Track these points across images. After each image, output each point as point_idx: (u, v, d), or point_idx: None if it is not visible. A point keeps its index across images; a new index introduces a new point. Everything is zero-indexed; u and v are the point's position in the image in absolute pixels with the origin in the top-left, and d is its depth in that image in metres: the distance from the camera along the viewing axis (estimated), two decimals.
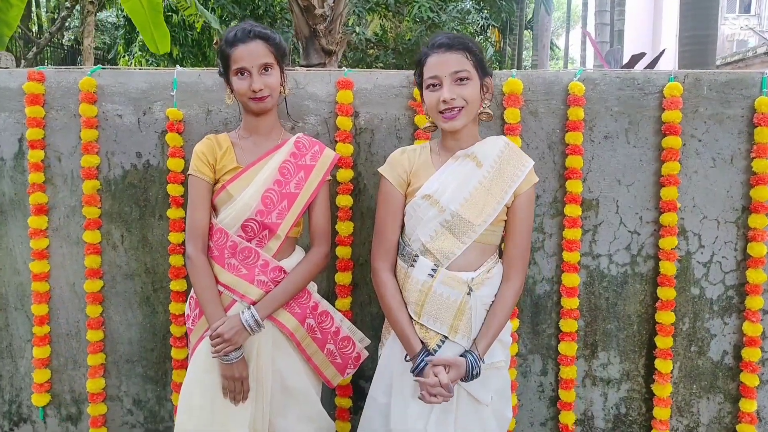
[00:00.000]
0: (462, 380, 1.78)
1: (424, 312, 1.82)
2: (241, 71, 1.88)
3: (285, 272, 1.94)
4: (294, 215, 1.94)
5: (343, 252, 2.41)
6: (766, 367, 2.48)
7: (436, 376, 1.75)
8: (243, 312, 1.85)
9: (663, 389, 2.43)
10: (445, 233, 1.82)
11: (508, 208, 1.88)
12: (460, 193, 1.82)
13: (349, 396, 2.47)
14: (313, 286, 2.06)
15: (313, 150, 2.01)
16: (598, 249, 2.46)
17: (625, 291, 2.48)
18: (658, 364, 2.43)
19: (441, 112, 1.79)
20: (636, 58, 6.21)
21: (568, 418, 2.48)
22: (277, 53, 1.92)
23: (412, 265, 1.85)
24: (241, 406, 1.88)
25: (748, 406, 2.43)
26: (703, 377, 2.51)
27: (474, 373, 1.77)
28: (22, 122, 2.44)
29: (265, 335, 1.91)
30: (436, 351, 1.82)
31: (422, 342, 1.83)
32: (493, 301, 1.87)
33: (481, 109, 1.86)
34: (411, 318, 1.85)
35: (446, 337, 1.82)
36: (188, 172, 1.96)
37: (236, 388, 1.85)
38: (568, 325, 2.44)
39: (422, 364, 1.79)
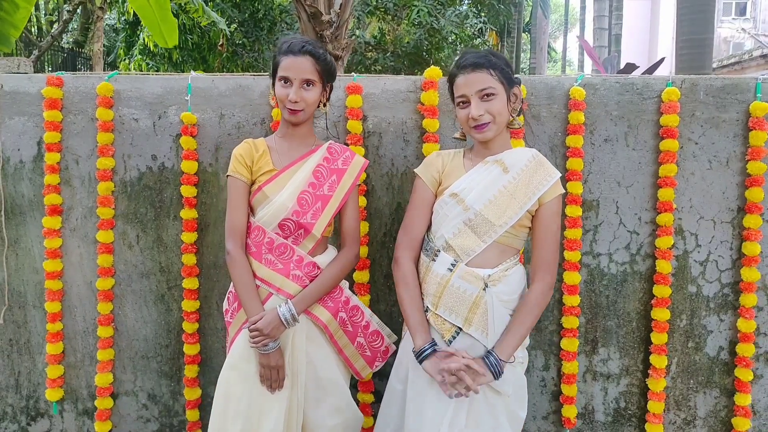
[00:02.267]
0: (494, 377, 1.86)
1: (441, 303, 1.92)
2: (284, 79, 1.98)
3: (318, 267, 2.03)
4: (328, 216, 2.04)
5: (361, 251, 2.48)
6: (760, 363, 2.56)
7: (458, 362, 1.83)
8: (280, 306, 1.94)
9: (657, 384, 2.52)
10: (467, 231, 1.92)
11: (532, 215, 1.97)
12: (485, 195, 1.92)
13: (371, 391, 2.55)
14: (344, 283, 2.16)
15: (344, 155, 2.12)
16: (598, 248, 2.55)
17: (625, 289, 2.56)
18: (654, 359, 2.52)
19: (472, 127, 1.91)
20: (630, 68, 6.30)
21: (570, 411, 2.56)
22: (323, 72, 2.01)
23: (434, 260, 1.95)
24: (278, 395, 1.97)
25: (743, 399, 2.52)
26: (700, 372, 2.59)
27: (496, 372, 1.85)
28: (40, 126, 2.52)
29: (299, 327, 2.00)
30: (450, 342, 1.91)
31: (438, 332, 1.92)
32: (514, 300, 1.95)
33: (511, 117, 1.97)
34: (425, 311, 1.95)
35: (461, 329, 1.90)
36: (227, 174, 2.05)
37: (273, 376, 1.95)
38: (570, 321, 2.52)
39: (428, 351, 1.88)
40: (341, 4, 5.35)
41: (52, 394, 2.62)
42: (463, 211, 1.93)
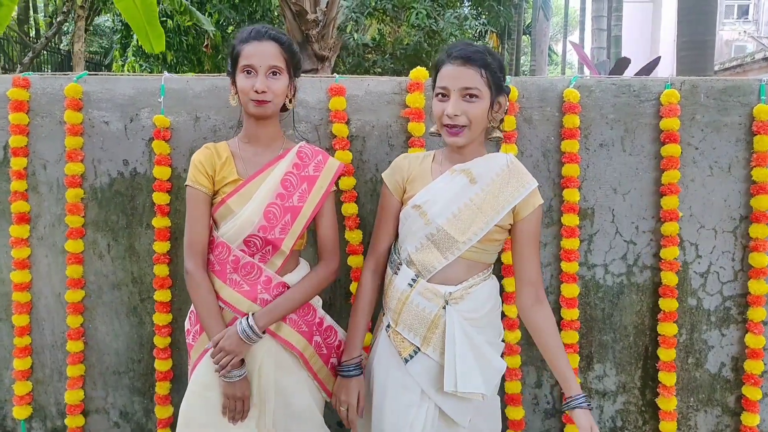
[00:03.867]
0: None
1: (401, 320, 1.80)
2: (248, 69, 1.80)
3: (288, 287, 1.88)
4: (298, 230, 1.87)
5: (356, 261, 2.35)
6: (765, 380, 2.43)
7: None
8: (240, 322, 1.78)
9: (668, 402, 2.38)
10: (430, 246, 1.79)
11: (507, 229, 1.83)
12: (449, 208, 1.78)
13: None
14: (317, 301, 2.00)
15: (316, 160, 1.94)
16: (593, 259, 2.42)
17: (621, 302, 2.43)
18: (662, 377, 2.38)
19: (445, 125, 1.75)
20: (622, 63, 6.15)
21: (568, 430, 2.42)
22: (289, 60, 1.84)
23: (396, 273, 1.84)
24: (243, 425, 1.82)
25: (751, 420, 2.38)
26: (701, 390, 2.46)
27: None
28: (5, 129, 2.39)
29: (267, 354, 1.84)
30: (407, 360, 1.79)
31: (396, 349, 1.84)
32: (484, 317, 1.83)
33: (491, 124, 1.82)
34: (387, 327, 1.86)
35: (419, 348, 1.78)
36: (186, 183, 1.88)
37: (237, 407, 1.79)
38: (569, 336, 2.38)
39: (351, 372, 1.86)
40: (327, 3, 5.23)
41: (19, 412, 2.48)
42: (425, 225, 1.79)
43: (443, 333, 1.76)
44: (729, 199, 2.37)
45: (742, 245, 2.37)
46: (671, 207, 2.31)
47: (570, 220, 2.33)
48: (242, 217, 1.82)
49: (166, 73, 2.46)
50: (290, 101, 1.93)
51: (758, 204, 2.30)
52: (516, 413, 2.39)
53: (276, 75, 1.82)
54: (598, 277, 2.43)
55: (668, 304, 2.35)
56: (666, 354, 2.37)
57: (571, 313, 2.38)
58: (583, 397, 1.75)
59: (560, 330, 2.39)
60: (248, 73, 1.80)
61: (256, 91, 1.78)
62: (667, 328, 2.35)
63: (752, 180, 2.32)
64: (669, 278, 2.34)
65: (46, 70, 13.67)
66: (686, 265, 2.40)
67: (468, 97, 1.72)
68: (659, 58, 6.48)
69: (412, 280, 1.79)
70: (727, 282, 2.41)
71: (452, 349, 1.74)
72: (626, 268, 2.42)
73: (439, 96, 1.77)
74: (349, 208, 2.34)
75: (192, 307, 1.94)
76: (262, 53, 1.79)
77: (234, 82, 1.86)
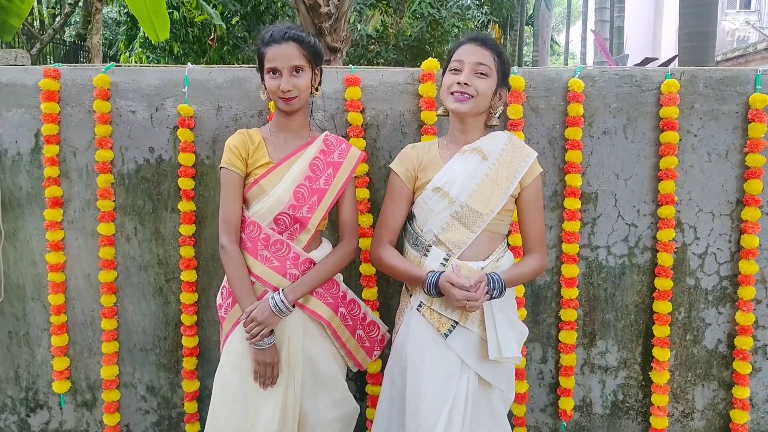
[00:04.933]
0: (487, 293, 1.83)
1: (437, 299, 1.90)
2: (273, 71, 1.95)
3: (314, 263, 2.02)
4: (323, 210, 2.02)
5: (366, 243, 2.47)
6: (758, 356, 2.56)
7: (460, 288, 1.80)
8: (273, 296, 1.92)
9: (661, 376, 2.52)
10: (456, 224, 1.92)
11: (515, 198, 1.98)
12: (468, 185, 1.92)
13: (380, 384, 2.52)
14: (339, 277, 2.14)
15: (340, 147, 2.09)
16: (596, 241, 2.54)
17: (623, 282, 2.56)
18: (656, 352, 2.52)
19: (452, 93, 1.90)
20: (647, 61, 6.28)
21: (567, 403, 2.56)
22: (310, 56, 1.98)
23: (426, 255, 1.95)
24: (273, 391, 1.96)
25: (741, 392, 2.52)
26: (698, 365, 2.59)
27: (496, 288, 1.84)
28: (38, 118, 2.52)
29: (295, 324, 1.98)
30: (447, 335, 1.90)
31: (434, 327, 1.92)
32: (508, 291, 1.94)
33: (491, 112, 1.98)
34: (419, 306, 1.95)
35: (457, 323, 1.90)
36: (221, 165, 2.02)
37: (267, 372, 1.93)
38: (568, 314, 2.52)
39: (434, 279, 1.84)
40: None
41: (59, 386, 2.62)
42: (449, 205, 1.92)
43: (480, 307, 1.87)
44: (726, 184, 2.49)
45: (738, 228, 2.50)
46: (668, 191, 2.44)
47: (572, 203, 2.46)
48: (274, 196, 1.97)
49: (189, 64, 2.58)
50: (316, 89, 2.07)
51: (751, 188, 2.43)
52: (520, 387, 2.53)
53: (299, 72, 1.96)
54: (601, 258, 2.55)
55: (663, 284, 2.48)
56: (660, 330, 2.50)
57: (570, 292, 2.51)
58: (495, 274, 1.87)
59: (560, 308, 2.55)
60: (273, 73, 1.96)
61: (282, 91, 1.94)
62: (662, 306, 2.49)
63: (746, 165, 2.44)
64: (664, 259, 2.47)
65: (50, 61, 13.75)
66: (685, 246, 2.53)
67: (480, 74, 1.89)
68: (676, 56, 6.56)
69: (444, 259, 1.91)
70: (723, 263, 2.53)
71: (492, 320, 1.89)
72: (628, 249, 2.54)
73: (453, 70, 1.93)
74: (361, 193, 2.46)
75: (224, 282, 2.07)
76: (284, 55, 1.94)
77: (263, 79, 2.01)
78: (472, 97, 1.88)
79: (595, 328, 2.59)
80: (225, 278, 2.05)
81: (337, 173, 2.05)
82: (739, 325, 2.50)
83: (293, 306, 1.94)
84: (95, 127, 2.49)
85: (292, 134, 2.07)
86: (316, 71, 2.05)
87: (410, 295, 2.02)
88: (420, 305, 1.95)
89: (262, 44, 1.98)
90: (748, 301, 2.48)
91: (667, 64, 6.51)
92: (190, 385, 2.59)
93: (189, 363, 2.58)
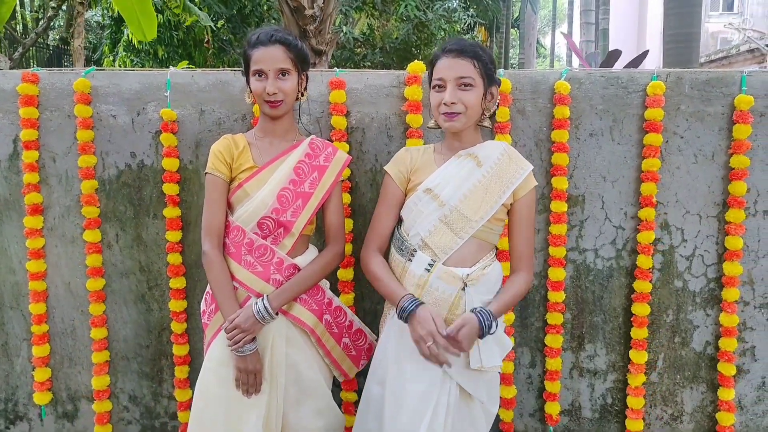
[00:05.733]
0: (479, 336, 1.78)
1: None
2: (258, 73, 1.92)
3: (298, 269, 1.98)
4: (308, 214, 1.98)
5: (348, 248, 2.44)
6: (746, 357, 2.55)
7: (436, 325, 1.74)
8: (256, 303, 1.88)
9: (636, 378, 2.51)
10: (444, 228, 1.88)
11: (507, 209, 1.95)
12: (460, 189, 1.89)
13: (354, 390, 2.51)
14: (325, 284, 2.10)
15: (326, 151, 2.06)
16: (584, 244, 2.53)
17: (611, 284, 2.55)
18: (633, 354, 2.51)
19: (443, 114, 1.88)
20: (613, 55, 6.27)
21: (553, 408, 2.54)
22: (297, 60, 1.95)
23: (410, 260, 1.91)
24: (256, 400, 1.92)
25: (726, 394, 2.51)
26: (687, 367, 2.58)
27: (487, 326, 1.76)
28: (16, 123, 2.47)
29: (278, 331, 1.94)
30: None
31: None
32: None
33: (484, 114, 1.94)
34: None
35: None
36: (205, 171, 1.98)
37: (249, 380, 1.89)
38: (554, 317, 2.50)
39: (412, 307, 1.78)
40: None
41: (40, 398, 2.57)
42: (438, 207, 1.89)
43: (463, 314, 1.83)
44: (712, 185, 2.48)
45: (725, 229, 2.49)
46: (649, 193, 2.43)
47: (558, 206, 2.44)
48: (258, 199, 1.93)
49: (171, 68, 2.54)
50: (302, 94, 2.04)
51: (734, 189, 2.42)
52: (508, 392, 2.51)
53: (285, 75, 1.93)
54: (589, 261, 2.54)
55: (642, 286, 2.47)
56: (638, 333, 2.50)
57: (556, 296, 2.49)
58: (483, 311, 1.79)
59: (546, 311, 2.52)
60: (259, 76, 1.92)
61: (268, 93, 1.90)
62: (640, 309, 2.48)
63: (730, 167, 2.44)
64: (643, 261, 2.46)
65: (33, 65, 13.60)
66: (672, 248, 2.52)
67: (463, 86, 1.85)
68: (647, 51, 6.60)
69: (429, 264, 1.87)
70: (711, 264, 2.53)
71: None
72: (615, 252, 2.53)
73: (436, 88, 1.89)
74: (344, 198, 2.42)
75: (208, 288, 2.03)
76: (270, 57, 1.90)
77: (248, 82, 1.98)
78: (462, 113, 1.86)
79: (584, 332, 2.58)
80: (208, 284, 2.01)
81: (322, 177, 2.02)
82: (723, 326, 2.50)
83: (277, 313, 1.91)
84: (76, 132, 2.44)
85: (278, 138, 2.03)
86: (303, 76, 2.02)
87: (390, 304, 1.98)
88: None
89: (248, 46, 1.95)
90: (732, 303, 2.47)
91: (639, 59, 6.51)
92: (182, 395, 2.53)
93: (181, 372, 2.53)
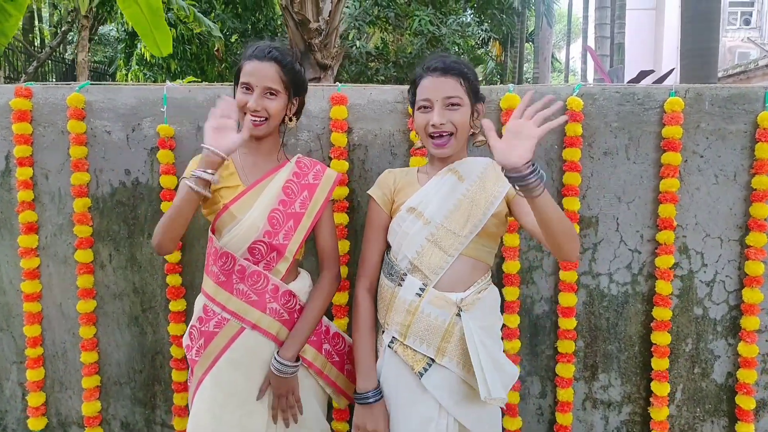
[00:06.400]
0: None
1: (411, 333, 1.76)
2: (246, 86, 1.81)
3: (294, 296, 1.87)
4: (301, 235, 1.87)
5: (344, 271, 2.34)
6: None
7: None
8: (272, 363, 1.81)
9: (660, 413, 2.36)
10: (432, 247, 1.77)
11: (503, 223, 1.84)
12: (444, 205, 1.79)
13: (346, 420, 2.39)
14: None
15: (314, 169, 1.95)
16: (597, 268, 2.40)
17: (626, 311, 2.41)
18: (655, 386, 2.36)
19: (430, 136, 1.78)
20: (643, 75, 6.13)
21: None
22: (289, 82, 1.83)
23: (400, 284, 1.80)
24: (253, 430, 1.81)
25: (745, 429, 2.36)
26: (707, 400, 2.43)
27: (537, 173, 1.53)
28: (9, 139, 2.40)
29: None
30: (422, 374, 1.75)
31: (407, 365, 1.77)
32: (492, 327, 1.81)
33: (472, 131, 1.84)
34: (391, 342, 1.81)
35: (433, 360, 1.75)
36: (182, 176, 1.84)
37: (289, 403, 1.82)
38: (565, 345, 2.37)
39: (371, 399, 1.76)
40: (330, 12, 5.23)
41: (35, 424, 2.48)
42: (424, 226, 1.78)
43: (459, 342, 1.73)
44: (734, 207, 2.35)
45: (746, 254, 2.35)
46: (668, 215, 2.30)
47: None
48: (247, 222, 1.81)
49: (168, 82, 2.46)
50: (290, 119, 1.92)
51: (756, 212, 2.29)
52: (513, 424, 2.37)
53: (272, 96, 1.82)
54: (603, 286, 2.41)
55: (662, 313, 2.33)
56: (659, 363, 2.35)
57: (567, 323, 2.36)
58: None
59: (557, 339, 2.38)
60: (246, 89, 1.81)
61: (250, 108, 1.79)
62: (660, 338, 2.34)
63: (752, 188, 2.30)
64: (662, 287, 2.32)
65: (51, 79, 13.72)
66: (692, 273, 2.38)
67: (451, 106, 1.75)
68: (672, 70, 6.44)
69: (420, 289, 1.76)
70: (733, 291, 2.38)
71: (477, 357, 1.71)
72: (631, 277, 2.40)
73: (422, 108, 1.79)
74: (339, 218, 2.32)
75: (193, 321, 1.91)
76: (260, 73, 1.79)
77: (234, 95, 1.86)
78: (452, 134, 1.76)
79: (597, 360, 2.44)
80: (194, 317, 1.90)
81: (313, 195, 1.90)
82: (741, 357, 2.35)
83: (297, 360, 1.82)
84: (69, 149, 2.36)
85: (262, 158, 1.92)
86: (294, 101, 1.90)
87: (382, 331, 1.87)
88: (392, 341, 1.81)
89: (244, 57, 1.85)
90: (752, 332, 2.33)
91: (664, 77, 6.37)
92: (181, 423, 2.42)
93: (180, 399, 2.42)
